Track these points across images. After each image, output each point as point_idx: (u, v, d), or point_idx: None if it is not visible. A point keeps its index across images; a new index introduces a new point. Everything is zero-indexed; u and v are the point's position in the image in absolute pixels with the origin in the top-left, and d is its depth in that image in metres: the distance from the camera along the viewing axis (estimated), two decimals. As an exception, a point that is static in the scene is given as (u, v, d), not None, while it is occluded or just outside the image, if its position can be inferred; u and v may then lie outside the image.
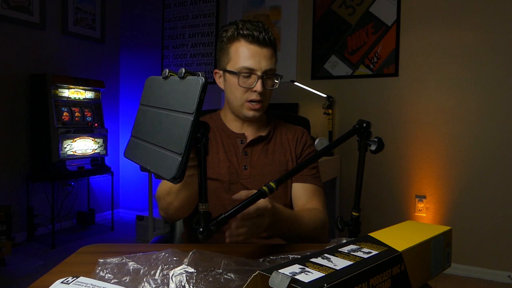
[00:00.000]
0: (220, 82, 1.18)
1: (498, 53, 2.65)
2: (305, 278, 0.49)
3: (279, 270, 0.50)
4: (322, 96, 3.10)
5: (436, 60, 2.83)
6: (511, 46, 2.62)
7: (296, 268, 0.52)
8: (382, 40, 3.00)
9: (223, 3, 3.70)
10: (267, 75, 1.11)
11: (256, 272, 0.52)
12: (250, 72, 1.09)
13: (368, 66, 3.06)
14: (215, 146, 1.18)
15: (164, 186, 0.99)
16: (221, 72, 1.16)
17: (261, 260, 0.71)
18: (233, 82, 1.12)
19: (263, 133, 1.21)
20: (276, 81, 1.14)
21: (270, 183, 0.73)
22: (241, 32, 1.09)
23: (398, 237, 0.66)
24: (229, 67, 1.12)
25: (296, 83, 3.11)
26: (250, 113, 1.13)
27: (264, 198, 0.74)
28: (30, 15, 3.39)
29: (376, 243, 0.62)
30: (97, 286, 0.62)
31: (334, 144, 0.86)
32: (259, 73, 1.09)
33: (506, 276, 2.62)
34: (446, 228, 0.73)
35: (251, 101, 1.12)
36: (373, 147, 0.83)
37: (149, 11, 4.10)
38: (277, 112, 1.35)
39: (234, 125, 1.21)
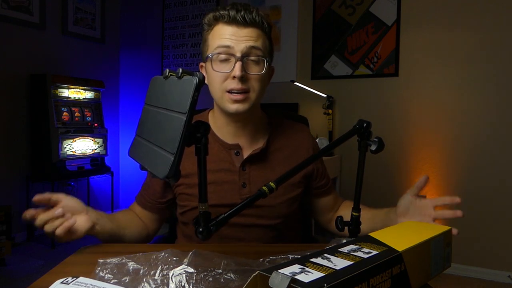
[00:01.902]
0: (205, 76, 1.01)
1: (498, 53, 2.65)
2: (305, 278, 0.48)
3: (279, 270, 0.50)
4: (322, 96, 3.10)
5: (436, 60, 2.83)
6: (511, 46, 2.62)
7: (296, 268, 0.52)
8: (382, 40, 3.00)
9: (223, 3, 3.70)
10: (250, 58, 0.93)
11: (256, 272, 0.52)
12: (226, 52, 0.92)
13: (368, 66, 3.06)
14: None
15: None
16: (204, 64, 1.00)
17: (261, 260, 0.71)
18: (210, 70, 0.95)
19: (261, 144, 1.03)
20: (263, 66, 0.94)
21: (270, 183, 0.70)
22: (217, 13, 0.94)
23: (398, 237, 0.66)
24: (208, 54, 0.96)
25: (296, 83, 3.11)
26: (233, 107, 0.94)
27: (264, 198, 0.70)
28: (30, 15, 3.39)
29: (376, 243, 0.62)
30: (97, 286, 0.62)
31: (334, 144, 0.86)
32: (238, 55, 0.91)
33: (506, 276, 2.62)
34: (446, 228, 0.72)
35: (231, 91, 0.93)
36: (373, 147, 0.82)
37: (149, 11, 4.10)
38: (275, 110, 1.24)
39: (226, 132, 1.02)
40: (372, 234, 0.67)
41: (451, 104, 2.79)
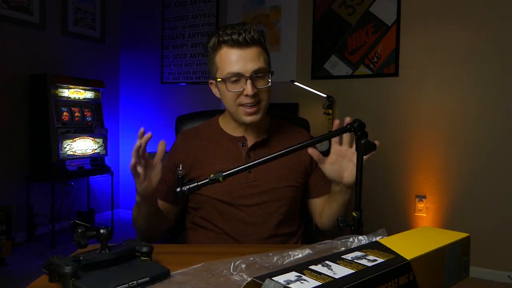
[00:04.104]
0: (215, 92, 1.16)
1: (498, 53, 2.64)
2: (299, 287, 0.47)
3: (273, 278, 0.49)
4: (322, 96, 3.10)
5: (436, 60, 2.83)
6: (511, 46, 2.61)
7: (292, 275, 0.50)
8: (382, 40, 3.00)
9: (223, 3, 3.70)
10: (257, 75, 1.07)
11: (250, 279, 0.51)
12: (237, 76, 1.06)
13: (368, 66, 3.06)
14: (212, 158, 1.15)
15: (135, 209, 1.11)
16: (214, 81, 1.15)
17: (270, 254, 0.71)
18: (224, 90, 1.10)
19: (265, 136, 1.18)
20: (268, 79, 1.10)
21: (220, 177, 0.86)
22: (221, 38, 1.07)
23: (409, 244, 0.63)
24: (218, 76, 1.10)
25: (296, 83, 3.11)
26: (248, 118, 1.09)
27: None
28: (30, 15, 3.39)
29: (384, 250, 0.59)
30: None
31: (321, 138, 0.89)
32: (247, 75, 1.06)
33: (506, 276, 2.62)
34: (464, 235, 0.68)
35: (245, 105, 1.08)
36: (359, 149, 0.84)
37: (149, 11, 4.10)
38: (276, 113, 1.31)
39: (235, 131, 1.18)
40: (382, 241, 0.63)
41: (451, 104, 2.79)
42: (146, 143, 0.95)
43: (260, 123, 1.16)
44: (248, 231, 1.11)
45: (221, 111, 1.26)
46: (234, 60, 1.06)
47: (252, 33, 1.06)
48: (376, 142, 0.89)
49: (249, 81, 1.05)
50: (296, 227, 1.20)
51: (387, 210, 2.98)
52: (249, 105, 1.07)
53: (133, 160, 0.94)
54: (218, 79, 1.10)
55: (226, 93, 1.09)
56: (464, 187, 2.75)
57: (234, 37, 1.05)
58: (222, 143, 1.17)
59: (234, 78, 1.06)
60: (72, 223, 3.62)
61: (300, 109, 3.27)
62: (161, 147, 1.00)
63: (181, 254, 0.90)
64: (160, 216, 1.13)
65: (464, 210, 2.74)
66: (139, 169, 0.96)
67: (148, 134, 0.94)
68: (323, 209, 1.19)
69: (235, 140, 1.17)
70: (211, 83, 1.17)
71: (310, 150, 1.01)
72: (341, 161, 1.03)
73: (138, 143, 0.94)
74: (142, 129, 0.94)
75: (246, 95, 1.06)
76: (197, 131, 1.23)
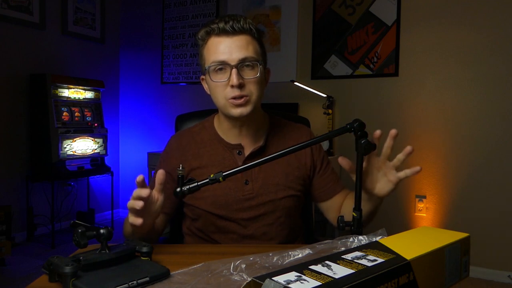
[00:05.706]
0: (206, 88, 1.08)
1: (498, 53, 2.64)
2: (299, 287, 0.47)
3: (273, 278, 0.49)
4: (322, 96, 3.10)
5: (436, 60, 2.83)
6: (511, 46, 2.61)
7: (292, 275, 0.50)
8: (382, 40, 3.00)
9: (223, 3, 3.70)
10: (245, 64, 0.98)
11: (250, 279, 0.51)
12: (221, 65, 0.98)
13: (368, 66, 3.06)
14: (208, 168, 1.07)
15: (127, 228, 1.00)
16: (204, 76, 1.07)
17: (270, 254, 0.71)
18: (210, 82, 1.02)
19: (262, 143, 1.09)
20: (258, 70, 1.00)
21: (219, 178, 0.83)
22: (208, 28, 1.01)
23: (409, 244, 0.62)
24: (205, 67, 1.03)
25: (296, 83, 3.11)
26: (237, 111, 1.00)
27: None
28: (30, 15, 3.39)
29: (384, 250, 0.59)
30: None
31: (321, 138, 0.89)
32: (232, 64, 0.97)
33: (506, 276, 2.62)
34: (464, 234, 0.69)
35: (233, 98, 0.99)
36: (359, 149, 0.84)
37: (149, 11, 4.10)
38: (276, 112, 1.27)
39: (230, 134, 1.10)
40: (382, 241, 0.63)
41: (451, 104, 2.79)
42: (146, 190, 0.82)
43: (257, 126, 1.10)
44: (245, 243, 1.07)
45: (217, 110, 1.17)
46: (220, 48, 0.99)
47: (241, 22, 0.99)
48: (378, 131, 0.91)
49: (234, 70, 0.97)
50: (296, 233, 1.16)
51: (387, 210, 2.98)
52: (236, 97, 0.99)
53: (132, 197, 0.83)
54: (205, 70, 1.03)
55: (212, 85, 1.02)
56: (464, 187, 2.75)
57: (221, 25, 0.98)
58: (218, 151, 1.09)
59: (219, 67, 0.99)
60: (72, 223, 3.61)
61: (300, 109, 3.27)
62: (160, 176, 0.87)
63: (181, 254, 0.90)
64: (154, 228, 1.02)
65: (464, 210, 2.74)
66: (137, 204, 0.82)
67: (140, 177, 0.82)
68: (344, 202, 1.13)
69: (231, 148, 1.09)
70: (202, 78, 1.10)
71: (341, 160, 0.95)
72: (375, 172, 1.00)
73: (137, 191, 0.82)
74: (140, 176, 0.82)
75: (232, 86, 0.97)
76: (191, 134, 1.14)
